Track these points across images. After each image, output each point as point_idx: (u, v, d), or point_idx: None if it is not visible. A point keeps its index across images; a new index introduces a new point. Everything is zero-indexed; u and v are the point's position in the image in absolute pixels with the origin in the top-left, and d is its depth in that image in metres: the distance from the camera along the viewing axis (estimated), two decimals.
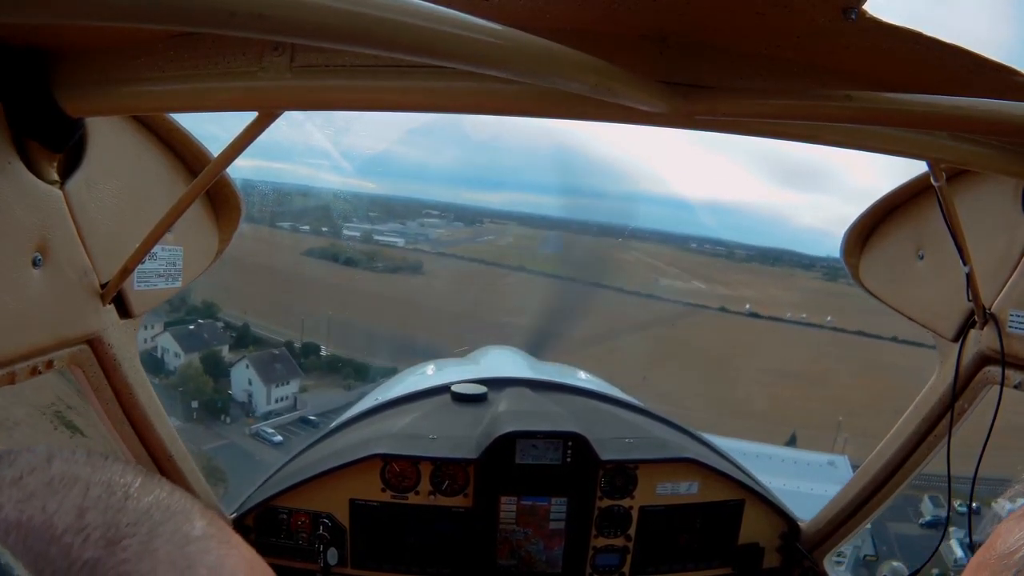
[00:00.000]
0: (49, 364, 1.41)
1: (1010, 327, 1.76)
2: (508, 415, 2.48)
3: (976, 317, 1.84)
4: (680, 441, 2.65)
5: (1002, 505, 0.72)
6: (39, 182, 1.26)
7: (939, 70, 1.06)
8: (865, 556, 13.60)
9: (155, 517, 0.34)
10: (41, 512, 0.32)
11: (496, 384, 2.86)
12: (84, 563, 0.30)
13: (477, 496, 2.35)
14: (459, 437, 2.42)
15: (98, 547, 0.31)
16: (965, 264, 1.71)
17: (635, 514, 2.42)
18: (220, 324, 40.37)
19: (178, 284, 1.79)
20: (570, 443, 2.33)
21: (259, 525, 2.37)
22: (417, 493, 2.34)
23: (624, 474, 2.40)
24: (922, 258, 1.98)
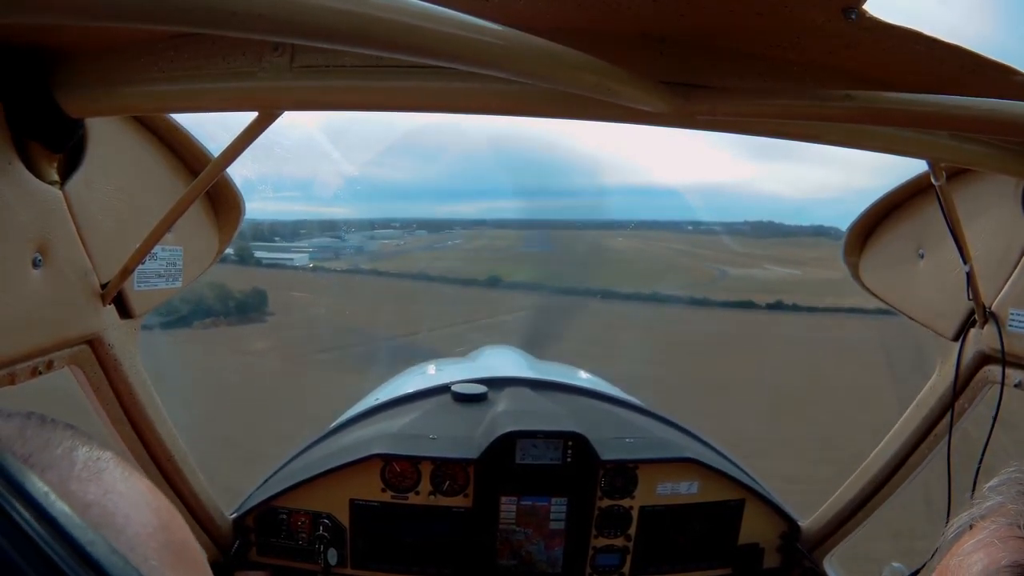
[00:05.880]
0: (49, 364, 1.41)
1: (1010, 326, 1.76)
2: (508, 415, 2.48)
3: (976, 316, 1.84)
4: (680, 441, 2.64)
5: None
6: (39, 182, 1.26)
7: (939, 69, 1.06)
8: None
9: (76, 440, 0.44)
10: None
11: (496, 384, 2.86)
12: (25, 457, 0.39)
13: (477, 496, 2.35)
14: (459, 437, 2.42)
15: (35, 450, 0.40)
16: (965, 263, 1.72)
17: (635, 514, 2.42)
18: None
19: (178, 284, 1.79)
20: (570, 443, 2.33)
21: (259, 525, 2.37)
22: (417, 493, 2.35)
23: (624, 474, 2.40)
24: (922, 257, 1.99)
